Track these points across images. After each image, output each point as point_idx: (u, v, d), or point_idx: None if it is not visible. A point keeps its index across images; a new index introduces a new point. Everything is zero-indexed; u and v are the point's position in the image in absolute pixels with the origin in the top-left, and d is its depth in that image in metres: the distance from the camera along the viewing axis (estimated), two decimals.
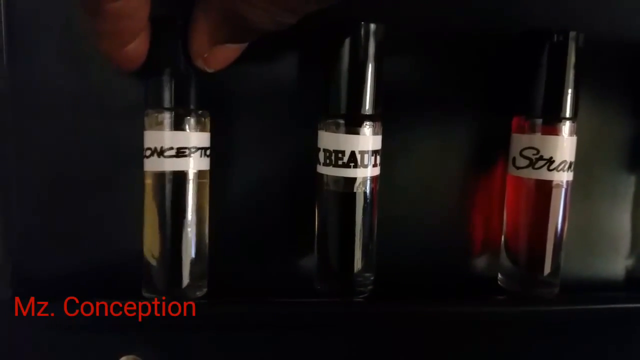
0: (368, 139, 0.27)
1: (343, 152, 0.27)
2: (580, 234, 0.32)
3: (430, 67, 0.30)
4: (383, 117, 0.28)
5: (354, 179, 0.27)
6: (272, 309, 0.28)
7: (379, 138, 0.28)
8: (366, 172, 0.27)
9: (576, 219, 0.31)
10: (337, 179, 0.27)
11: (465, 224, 0.31)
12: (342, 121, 0.27)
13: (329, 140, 0.27)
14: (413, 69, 0.30)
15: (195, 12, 0.24)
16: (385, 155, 0.28)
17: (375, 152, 0.27)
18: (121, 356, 0.27)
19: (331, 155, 0.27)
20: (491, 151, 0.31)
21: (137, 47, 0.24)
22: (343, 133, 0.27)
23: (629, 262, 0.33)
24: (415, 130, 0.30)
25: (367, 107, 0.26)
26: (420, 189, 0.31)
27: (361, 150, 0.27)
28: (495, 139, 0.31)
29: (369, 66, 0.26)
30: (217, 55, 0.25)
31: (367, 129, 0.27)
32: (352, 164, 0.27)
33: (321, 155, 0.27)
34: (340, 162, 0.27)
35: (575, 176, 0.30)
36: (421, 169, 0.31)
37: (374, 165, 0.27)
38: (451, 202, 0.31)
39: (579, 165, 0.30)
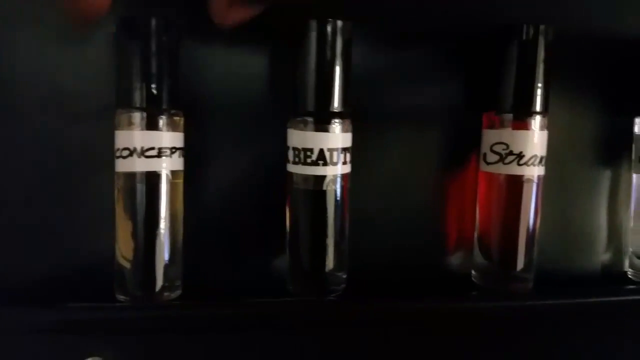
0: (337, 136, 0.27)
1: (311, 150, 0.27)
2: (555, 229, 0.32)
3: (401, 64, 0.30)
4: (354, 115, 0.28)
5: (324, 177, 0.27)
6: (245, 310, 0.28)
7: (348, 135, 0.28)
8: (336, 170, 0.27)
9: (551, 214, 0.32)
10: (307, 177, 0.27)
11: (439, 221, 0.31)
12: (310, 119, 0.27)
13: (297, 138, 0.27)
14: (383, 66, 0.30)
15: None
16: (356, 152, 0.29)
17: (345, 150, 0.27)
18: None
19: (300, 154, 0.27)
20: (464, 148, 0.31)
21: None
22: (311, 131, 0.27)
23: (605, 257, 0.33)
24: (387, 128, 0.30)
25: (335, 105, 0.27)
26: (393, 186, 0.31)
27: (330, 148, 0.27)
28: (468, 135, 0.31)
29: (336, 63, 0.26)
30: (236, 13, 0.26)
31: (336, 126, 0.27)
32: (321, 162, 0.27)
33: (290, 154, 0.27)
34: (309, 160, 0.27)
35: (549, 171, 0.30)
36: (394, 166, 0.31)
37: (344, 163, 0.28)
38: (424, 199, 0.31)
39: (553, 160, 0.31)
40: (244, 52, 0.29)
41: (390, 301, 0.29)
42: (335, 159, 0.27)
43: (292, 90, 0.27)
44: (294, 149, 0.27)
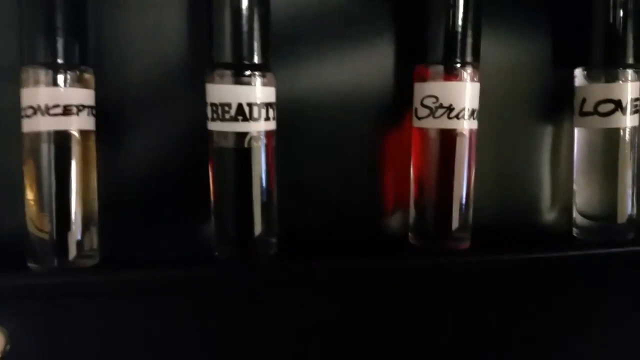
0: (256, 89, 0.26)
1: (229, 105, 0.25)
2: (495, 187, 0.31)
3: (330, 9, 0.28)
4: (279, 68, 0.26)
5: (245, 134, 0.26)
6: (160, 275, 0.26)
7: (271, 90, 0.26)
8: (258, 127, 0.26)
9: (490, 171, 0.31)
10: (227, 135, 0.26)
11: (374, 180, 0.30)
12: (227, 71, 0.25)
13: (214, 92, 0.26)
14: (310, 14, 0.28)
15: None
16: (286, 109, 0.27)
17: (267, 105, 0.26)
18: None
19: (218, 109, 0.25)
20: (398, 103, 0.30)
21: None
22: (229, 84, 0.25)
23: (551, 216, 0.32)
24: (318, 83, 0.29)
25: (253, 55, 0.25)
26: (325, 145, 0.29)
27: (249, 102, 0.25)
28: (402, 89, 0.29)
29: (253, 11, 0.25)
30: None
31: (256, 79, 0.25)
32: (240, 117, 0.25)
33: (209, 110, 0.26)
34: (227, 116, 0.25)
35: (487, 125, 0.29)
36: (326, 123, 0.29)
37: (267, 119, 0.26)
38: (358, 159, 0.30)
39: (491, 114, 0.29)
40: (160, 3, 0.27)
41: (321, 261, 0.27)
42: (255, 115, 0.26)
43: (209, 41, 0.26)
44: (212, 104, 0.26)
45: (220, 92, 0.25)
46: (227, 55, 0.25)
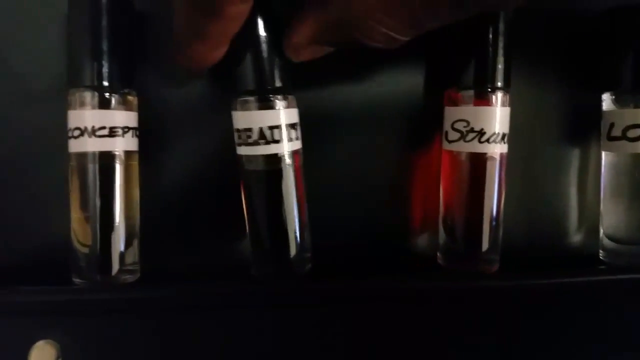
0: (277, 113, 0.26)
1: (254, 130, 0.26)
2: (523, 210, 0.32)
3: None
4: (310, 89, 0.28)
5: (272, 156, 0.27)
6: (201, 291, 0.27)
7: (293, 111, 0.27)
8: (283, 148, 0.26)
9: (519, 194, 0.31)
10: (254, 158, 0.27)
11: (404, 201, 0.31)
12: (250, 98, 0.26)
13: (238, 119, 0.26)
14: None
15: (305, 10, 0.25)
16: (318, 129, 0.28)
17: (291, 126, 0.27)
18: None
19: (243, 134, 0.26)
20: (429, 126, 0.30)
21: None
22: (252, 110, 0.26)
23: (577, 238, 0.33)
24: (349, 104, 0.30)
25: (275, 81, 0.26)
26: (355, 165, 0.30)
27: (271, 126, 0.26)
28: (431, 112, 0.30)
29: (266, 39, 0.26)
30: (311, 51, 0.26)
31: (276, 103, 0.26)
32: (265, 140, 0.26)
33: (235, 136, 0.27)
34: (252, 140, 0.26)
35: (516, 150, 0.29)
36: (357, 144, 0.30)
37: (290, 140, 0.27)
38: (389, 179, 0.30)
39: (520, 138, 0.30)
40: None
41: (356, 281, 0.28)
42: (277, 137, 0.26)
43: (232, 70, 0.26)
44: (237, 130, 0.27)
45: (243, 118, 0.26)
46: (249, 83, 0.26)
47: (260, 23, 0.25)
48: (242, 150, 0.27)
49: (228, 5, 0.21)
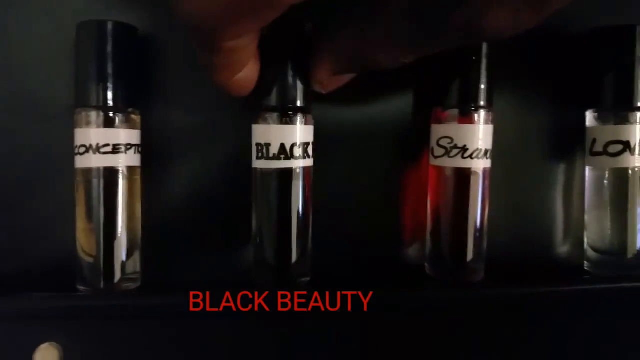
0: (298, 129, 0.28)
1: (274, 145, 0.28)
2: (508, 222, 0.33)
3: None
4: (316, 110, 0.29)
5: (286, 171, 0.28)
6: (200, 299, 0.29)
7: (309, 129, 0.29)
8: (298, 164, 0.28)
9: (504, 207, 0.32)
10: (270, 172, 0.28)
11: (394, 214, 0.32)
12: (273, 114, 0.28)
13: (260, 133, 0.28)
14: None
15: (320, 47, 0.27)
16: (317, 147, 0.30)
17: (306, 144, 0.28)
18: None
19: (262, 149, 0.28)
20: (417, 143, 0.32)
21: (247, 74, 0.26)
22: (274, 125, 0.28)
23: (563, 250, 0.34)
24: (341, 122, 0.31)
25: (296, 99, 0.28)
26: (346, 180, 0.32)
27: (292, 142, 0.28)
28: (420, 129, 0.31)
29: (296, 59, 0.27)
30: (335, 81, 0.28)
31: (297, 120, 0.28)
32: (282, 156, 0.28)
33: (254, 149, 0.28)
34: (271, 155, 0.28)
35: (501, 165, 0.31)
36: (349, 159, 0.32)
37: (305, 157, 0.28)
38: (380, 193, 0.32)
39: (505, 153, 0.31)
40: None
41: (355, 292, 0.29)
42: (296, 153, 0.28)
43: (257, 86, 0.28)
44: (257, 144, 0.28)
45: (265, 132, 0.28)
46: (273, 100, 0.27)
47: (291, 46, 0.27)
48: (260, 164, 0.28)
49: (221, 42, 0.22)
